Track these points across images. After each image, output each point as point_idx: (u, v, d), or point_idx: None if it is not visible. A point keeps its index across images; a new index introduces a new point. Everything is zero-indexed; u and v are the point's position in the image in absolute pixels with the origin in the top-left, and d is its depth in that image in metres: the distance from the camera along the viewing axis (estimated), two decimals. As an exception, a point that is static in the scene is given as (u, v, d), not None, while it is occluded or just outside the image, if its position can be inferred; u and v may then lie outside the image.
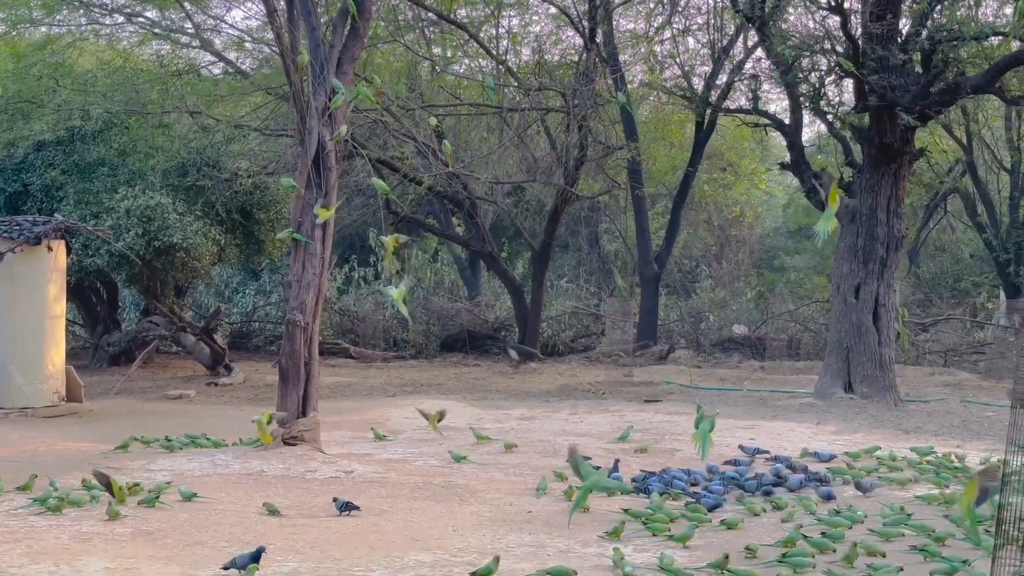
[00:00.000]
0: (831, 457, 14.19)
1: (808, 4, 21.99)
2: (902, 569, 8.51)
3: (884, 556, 9.19)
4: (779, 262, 41.63)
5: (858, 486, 12.25)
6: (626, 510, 10.91)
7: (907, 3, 20.46)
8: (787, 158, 23.82)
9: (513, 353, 27.57)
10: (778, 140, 32.12)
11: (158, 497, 11.17)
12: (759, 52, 26.38)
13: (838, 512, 10.83)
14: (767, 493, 11.82)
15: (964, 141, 31.31)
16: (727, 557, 8.68)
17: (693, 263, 39.03)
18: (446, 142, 13.23)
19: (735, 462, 13.74)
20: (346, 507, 10.83)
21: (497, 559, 8.55)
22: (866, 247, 20.64)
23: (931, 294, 33.95)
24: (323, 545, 9.58)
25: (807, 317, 30.69)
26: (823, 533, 9.80)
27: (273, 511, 10.81)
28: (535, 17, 29.23)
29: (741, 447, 14.70)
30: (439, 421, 14.70)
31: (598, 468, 11.69)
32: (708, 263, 38.56)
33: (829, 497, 11.65)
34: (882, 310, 20.64)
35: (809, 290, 35.01)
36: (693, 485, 12.32)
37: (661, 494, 11.80)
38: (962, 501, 7.29)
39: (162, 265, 22.70)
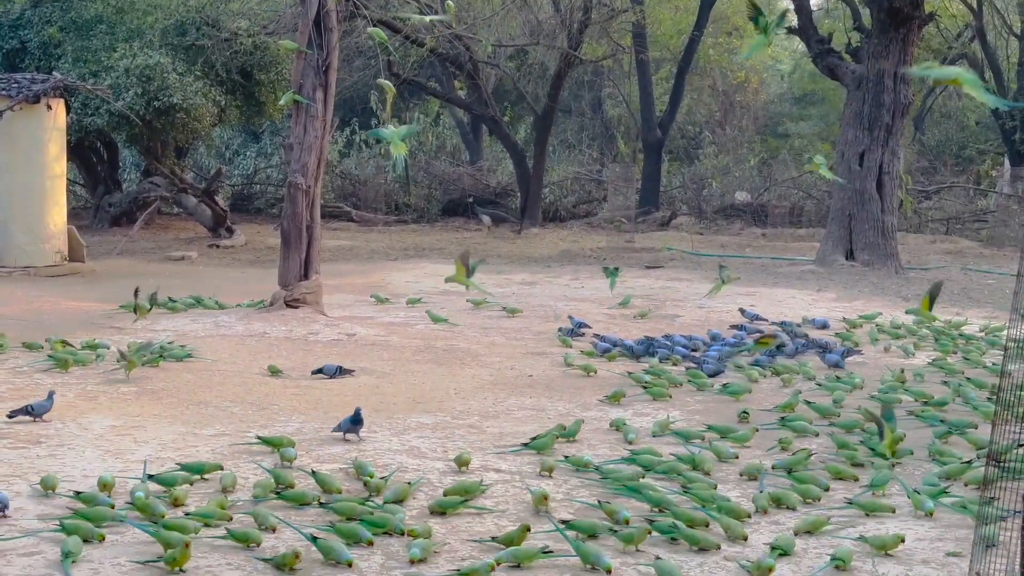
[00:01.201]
0: (824, 324, 14.19)
1: None
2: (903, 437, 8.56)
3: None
4: (783, 128, 41.29)
5: (815, 343, 12.46)
6: (629, 374, 10.96)
7: None
8: (794, 22, 23.43)
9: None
10: (785, 3, 31.55)
11: (162, 356, 11.23)
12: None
13: (838, 379, 10.89)
14: (757, 364, 11.77)
15: (974, 5, 30.75)
16: None
17: (696, 129, 38.71)
18: (449, 2, 12.93)
19: (741, 327, 13.69)
20: (339, 371, 10.84)
21: (556, 436, 8.49)
22: (872, 114, 20.42)
23: (935, 161, 33.73)
24: (326, 406, 9.64)
25: (810, 184, 30.54)
26: (834, 401, 9.88)
27: (275, 372, 10.87)
28: None
29: (741, 310, 14.67)
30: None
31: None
32: (712, 129, 38.24)
33: (838, 365, 11.62)
34: (886, 177, 20.52)
35: (813, 157, 34.77)
36: (694, 351, 12.35)
37: (662, 360, 11.84)
38: None
39: (162, 126, 22.51)
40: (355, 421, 8.50)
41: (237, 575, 5.86)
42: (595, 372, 11.18)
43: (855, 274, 19.44)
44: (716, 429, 8.84)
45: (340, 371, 10.87)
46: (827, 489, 7.42)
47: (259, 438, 8.24)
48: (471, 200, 29.63)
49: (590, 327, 13.63)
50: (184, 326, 13.31)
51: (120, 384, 10.26)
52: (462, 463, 7.75)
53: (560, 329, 13.55)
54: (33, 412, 8.76)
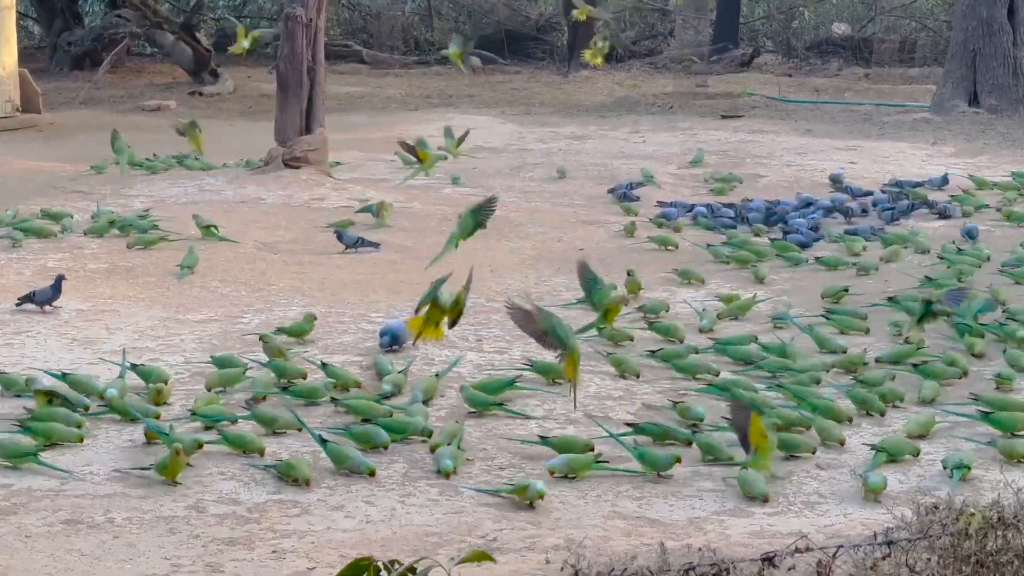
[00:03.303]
0: (944, 182, 13.95)
1: None
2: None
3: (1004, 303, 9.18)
4: (893, -57, 40.47)
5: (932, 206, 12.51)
6: (709, 246, 10.87)
7: None
8: None
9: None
10: None
11: (123, 227, 11.15)
12: None
13: (961, 251, 10.68)
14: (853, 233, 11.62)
15: None
16: None
17: (786, -56, 38.02)
18: None
19: (846, 189, 13.50)
20: (360, 243, 10.78)
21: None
22: (1005, -80, 19.99)
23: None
24: (333, 287, 9.66)
25: (925, 12, 30.04)
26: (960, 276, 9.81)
27: (273, 246, 10.88)
28: None
29: (831, 178, 14.35)
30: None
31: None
32: (804, -57, 37.54)
33: (971, 236, 11.37)
34: (1019, 3, 20.11)
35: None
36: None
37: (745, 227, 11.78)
38: None
39: (130, -54, 22.35)
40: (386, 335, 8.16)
41: (231, 486, 5.91)
42: (675, 247, 11.04)
43: (979, 123, 19.17)
44: (835, 313, 8.81)
45: (362, 242, 10.78)
46: (963, 376, 7.51)
47: (267, 334, 8.14)
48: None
49: (644, 185, 13.52)
50: (162, 191, 13.27)
51: (87, 260, 10.30)
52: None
53: (612, 189, 13.48)
54: (36, 299, 8.81)
